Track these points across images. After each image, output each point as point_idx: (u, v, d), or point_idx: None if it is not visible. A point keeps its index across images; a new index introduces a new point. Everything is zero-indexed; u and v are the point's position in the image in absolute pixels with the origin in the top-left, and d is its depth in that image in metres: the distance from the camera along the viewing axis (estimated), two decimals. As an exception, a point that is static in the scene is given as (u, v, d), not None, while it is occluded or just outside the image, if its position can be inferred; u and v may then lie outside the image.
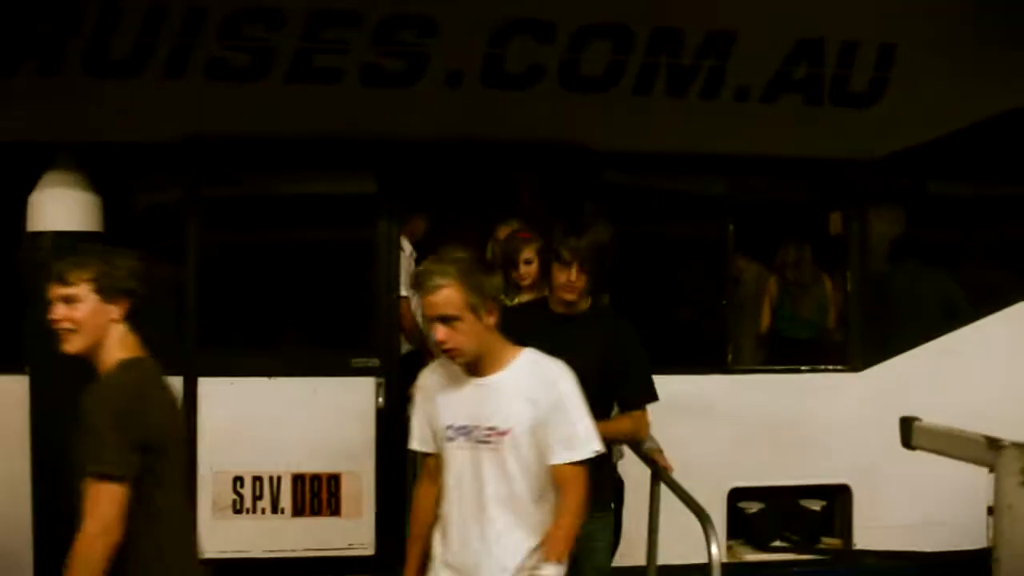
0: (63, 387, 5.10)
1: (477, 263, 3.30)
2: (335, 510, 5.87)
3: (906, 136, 6.36)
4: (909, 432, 2.73)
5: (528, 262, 5.12)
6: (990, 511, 3.34)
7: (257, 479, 5.81)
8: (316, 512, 5.84)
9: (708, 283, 6.49)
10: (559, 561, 3.22)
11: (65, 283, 3.12)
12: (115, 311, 3.12)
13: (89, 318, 3.08)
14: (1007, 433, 3.25)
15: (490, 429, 3.24)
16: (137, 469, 2.94)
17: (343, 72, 5.63)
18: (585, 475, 3.28)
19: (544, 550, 3.23)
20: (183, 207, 5.84)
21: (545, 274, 4.48)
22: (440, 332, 3.18)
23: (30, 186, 5.45)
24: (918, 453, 5.31)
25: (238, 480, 5.82)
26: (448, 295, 3.16)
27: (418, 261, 6.41)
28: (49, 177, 5.45)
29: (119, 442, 2.91)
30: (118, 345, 3.12)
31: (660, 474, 4.66)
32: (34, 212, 5.43)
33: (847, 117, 6.21)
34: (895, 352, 6.45)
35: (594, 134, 6.05)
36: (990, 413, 4.76)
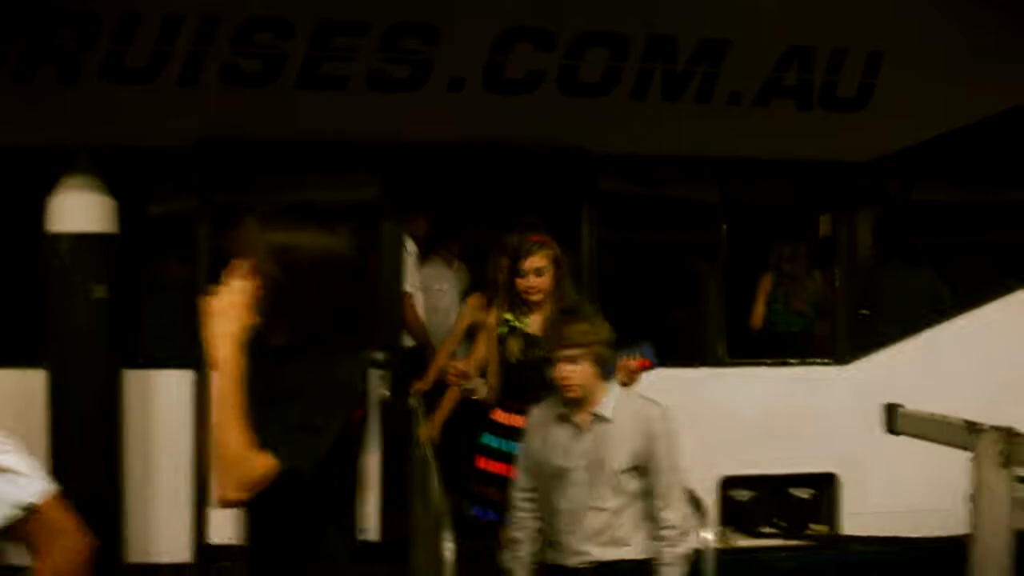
0: (79, 382, 5.42)
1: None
2: (342, 499, 5.88)
3: (893, 140, 6.42)
4: (893, 418, 2.80)
5: (539, 272, 4.50)
6: (971, 499, 3.40)
7: (266, 467, 5.82)
8: (323, 501, 5.86)
9: (703, 280, 6.53)
10: None
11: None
12: None
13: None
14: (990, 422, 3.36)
15: None
16: None
17: (350, 78, 5.67)
18: None
19: None
20: (196, 208, 5.88)
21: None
22: None
23: (49, 189, 5.49)
24: (902, 443, 5.45)
25: None
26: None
27: (421, 258, 6.54)
28: (67, 181, 5.49)
29: None
30: None
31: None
32: (53, 214, 5.48)
33: (836, 121, 6.26)
34: (880, 346, 6.52)
35: (592, 138, 6.10)
36: (972, 404, 4.79)
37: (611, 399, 3.76)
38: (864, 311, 6.61)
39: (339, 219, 5.77)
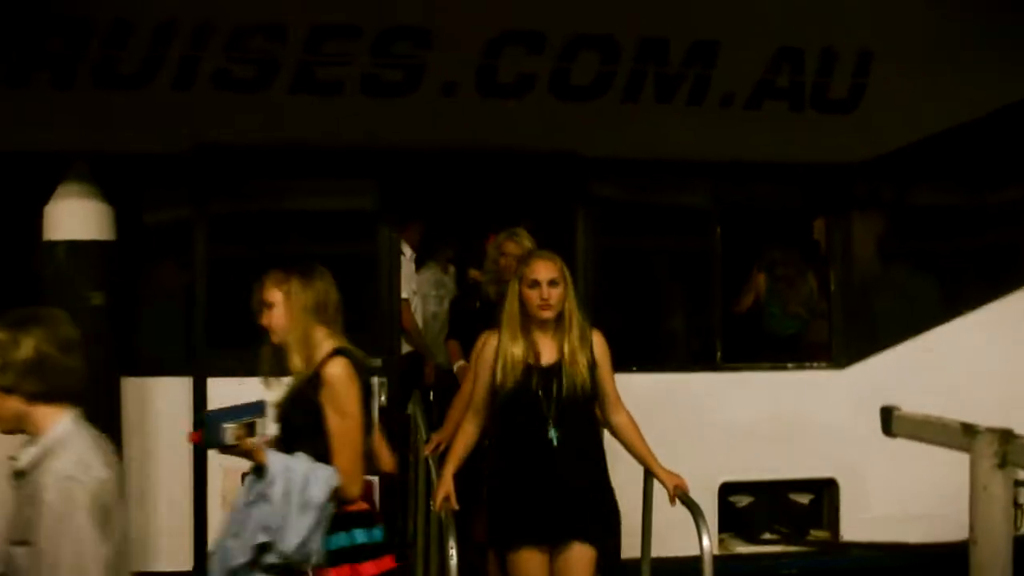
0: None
1: None
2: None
3: (886, 141, 6.33)
4: (889, 420, 2.66)
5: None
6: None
7: (265, 475, 5.72)
8: (322, 508, 5.75)
9: (697, 284, 6.43)
10: None
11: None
12: None
13: None
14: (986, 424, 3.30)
15: None
16: None
17: (343, 83, 5.61)
18: None
19: None
20: (191, 214, 5.82)
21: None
22: None
23: (44, 196, 5.44)
24: (902, 448, 5.30)
25: (247, 476, 5.69)
26: None
27: (417, 263, 6.44)
28: (63, 188, 5.43)
29: None
30: None
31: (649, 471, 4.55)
32: (49, 222, 5.42)
33: (828, 123, 6.18)
34: (878, 349, 6.41)
35: (584, 141, 6.03)
36: (971, 406, 4.65)
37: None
38: (860, 317, 6.50)
39: (335, 225, 5.93)
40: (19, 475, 2.54)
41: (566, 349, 3.95)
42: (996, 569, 1.77)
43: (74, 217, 5.38)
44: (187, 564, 5.73)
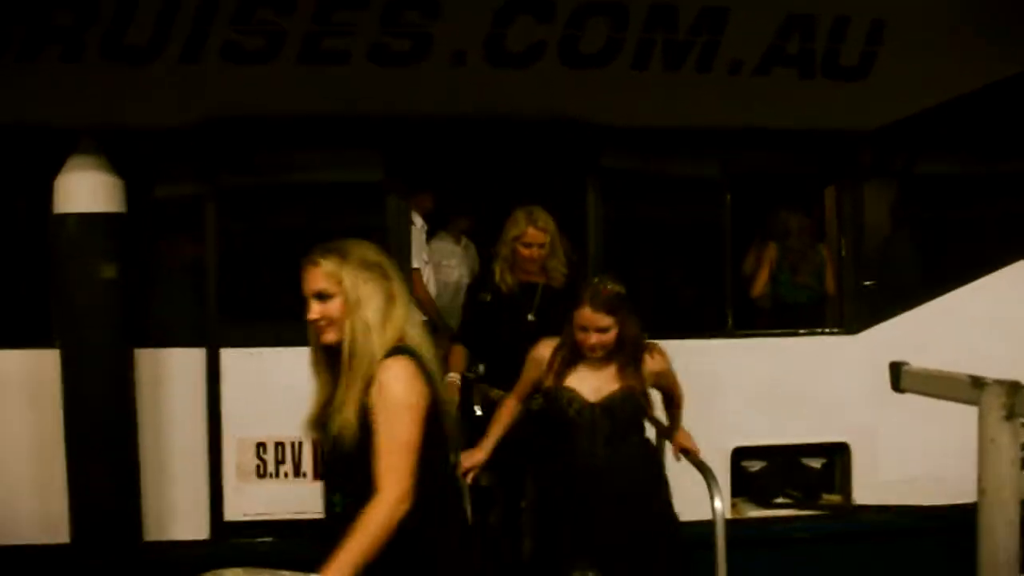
0: (91, 361, 5.40)
1: None
2: (353, 476, 5.83)
3: (897, 108, 6.28)
4: (898, 376, 2.68)
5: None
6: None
7: (279, 445, 5.81)
8: (330, 477, 5.82)
9: (708, 252, 6.43)
10: None
11: None
12: None
13: None
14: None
15: None
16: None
17: (351, 53, 5.57)
18: None
19: None
20: (202, 185, 5.81)
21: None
22: None
23: (54, 169, 5.44)
24: (914, 411, 5.32)
25: (261, 446, 5.82)
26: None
27: (429, 233, 6.41)
28: (73, 161, 5.42)
29: None
30: None
31: (665, 433, 4.69)
32: (59, 195, 5.42)
33: (839, 90, 6.12)
34: (890, 315, 6.40)
35: (593, 109, 5.99)
36: (982, 370, 4.65)
37: None
38: (869, 282, 6.50)
39: (344, 196, 5.90)
40: None
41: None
42: (1004, 519, 1.80)
43: (84, 189, 5.37)
44: (203, 533, 5.79)
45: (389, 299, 3.00)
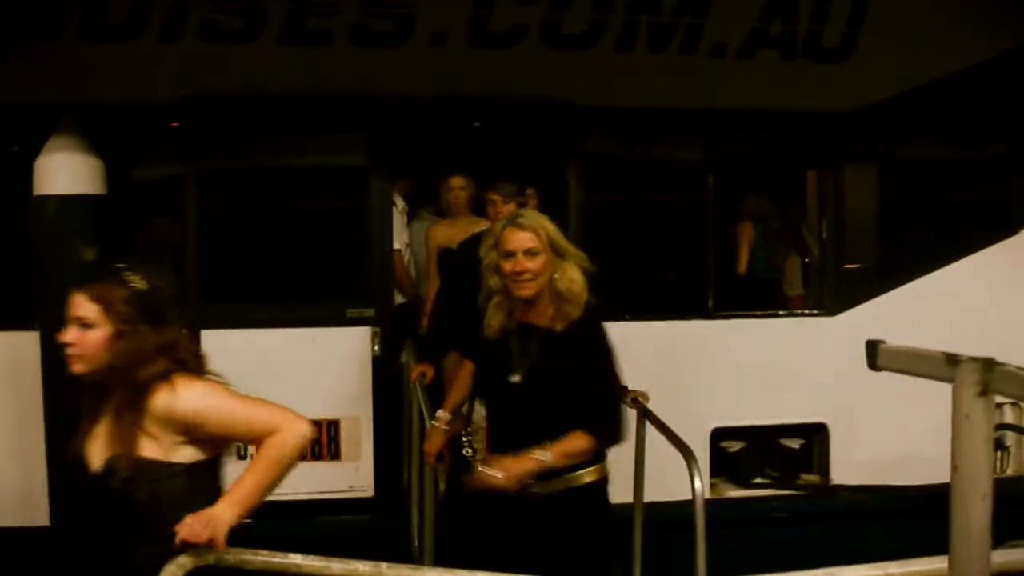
0: None
1: None
2: (335, 454, 5.89)
3: (879, 89, 6.32)
4: (875, 354, 2.69)
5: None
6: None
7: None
8: (317, 456, 5.83)
9: (689, 234, 6.46)
10: None
11: None
12: None
13: None
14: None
15: None
16: None
17: (333, 33, 5.57)
18: None
19: None
20: (182, 166, 5.79)
21: None
22: None
23: (34, 150, 5.41)
24: (891, 394, 5.35)
25: None
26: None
27: (410, 215, 6.45)
28: (53, 142, 5.39)
29: None
30: None
31: (646, 412, 4.63)
32: (39, 176, 5.39)
33: (821, 72, 6.18)
34: (868, 298, 6.46)
35: (577, 91, 6.01)
36: (960, 350, 4.73)
37: None
38: (850, 265, 6.55)
39: (325, 177, 5.89)
40: None
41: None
42: (977, 495, 1.85)
43: (64, 171, 5.34)
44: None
45: None
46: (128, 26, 5.33)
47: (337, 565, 2.71)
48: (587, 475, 3.53)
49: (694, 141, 6.35)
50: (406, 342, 5.81)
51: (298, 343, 5.82)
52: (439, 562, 4.18)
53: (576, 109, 6.08)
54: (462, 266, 4.65)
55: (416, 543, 5.21)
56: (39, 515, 5.42)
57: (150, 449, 2.72)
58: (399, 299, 6.25)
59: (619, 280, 6.02)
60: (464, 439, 4.15)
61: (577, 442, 3.42)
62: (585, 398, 3.46)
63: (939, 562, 2.37)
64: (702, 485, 4.03)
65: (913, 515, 5.67)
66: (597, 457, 3.56)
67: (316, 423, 5.54)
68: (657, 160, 6.42)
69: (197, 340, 5.39)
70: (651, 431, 4.54)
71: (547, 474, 3.41)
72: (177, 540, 2.56)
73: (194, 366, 2.85)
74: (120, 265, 2.87)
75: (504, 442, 3.52)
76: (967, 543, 1.91)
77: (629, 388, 4.22)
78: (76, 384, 5.17)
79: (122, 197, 5.61)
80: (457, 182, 6.04)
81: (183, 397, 2.72)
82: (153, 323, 2.78)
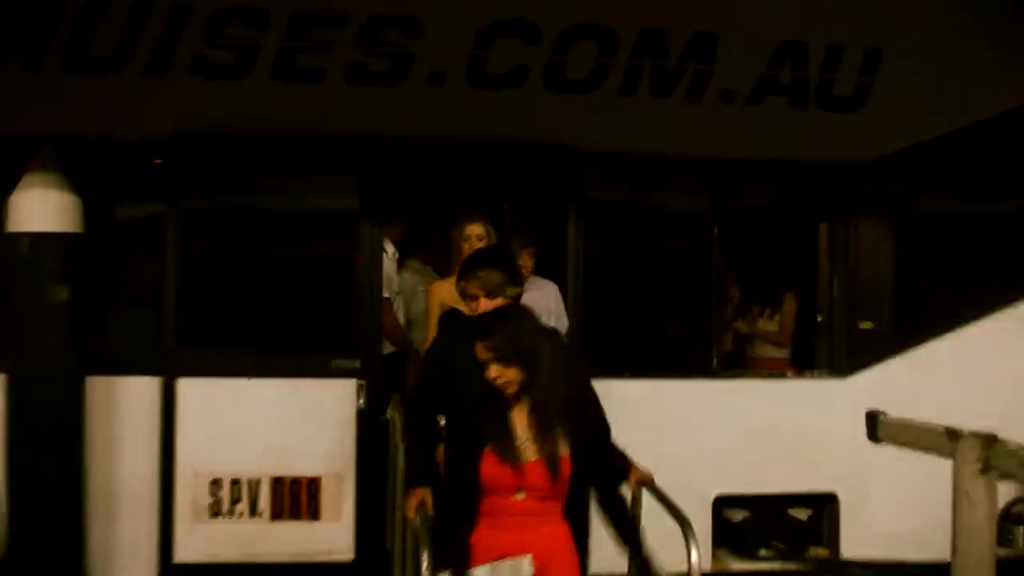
0: (40, 387, 5.50)
1: None
2: (314, 514, 5.92)
3: (893, 140, 6.45)
4: (875, 425, 2.80)
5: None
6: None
7: (235, 482, 5.86)
8: (295, 516, 5.89)
9: (693, 287, 6.53)
10: None
11: None
12: None
13: None
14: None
15: None
16: None
17: (327, 71, 5.71)
18: None
19: None
20: (164, 205, 5.90)
21: None
22: None
23: (10, 183, 5.51)
24: (905, 462, 5.20)
25: (216, 482, 5.86)
26: None
27: (400, 262, 6.58)
28: (29, 178, 5.50)
29: None
30: None
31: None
32: (14, 213, 5.50)
33: (833, 120, 6.30)
34: (881, 358, 6.53)
35: (579, 135, 6.15)
36: (976, 418, 4.64)
37: None
38: (866, 324, 6.61)
39: (314, 221, 6.03)
40: None
41: None
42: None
43: (40, 208, 5.44)
44: (150, 573, 5.84)
45: None
46: (114, 58, 5.47)
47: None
48: None
49: (700, 190, 6.44)
50: (393, 397, 5.77)
51: (279, 394, 5.90)
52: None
53: (577, 154, 6.19)
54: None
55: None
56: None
57: None
58: (388, 349, 6.30)
59: (619, 335, 6.29)
60: None
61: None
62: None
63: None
64: (699, 557, 4.01)
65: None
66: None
67: (295, 480, 5.86)
68: (661, 209, 6.50)
69: (172, 388, 5.77)
70: (647, 496, 4.43)
71: None
72: None
73: None
74: None
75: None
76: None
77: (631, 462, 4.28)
78: (42, 430, 5.33)
79: (99, 235, 5.70)
80: (475, 230, 5.27)
81: None
82: None
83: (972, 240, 6.78)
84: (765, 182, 6.64)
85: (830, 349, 6.70)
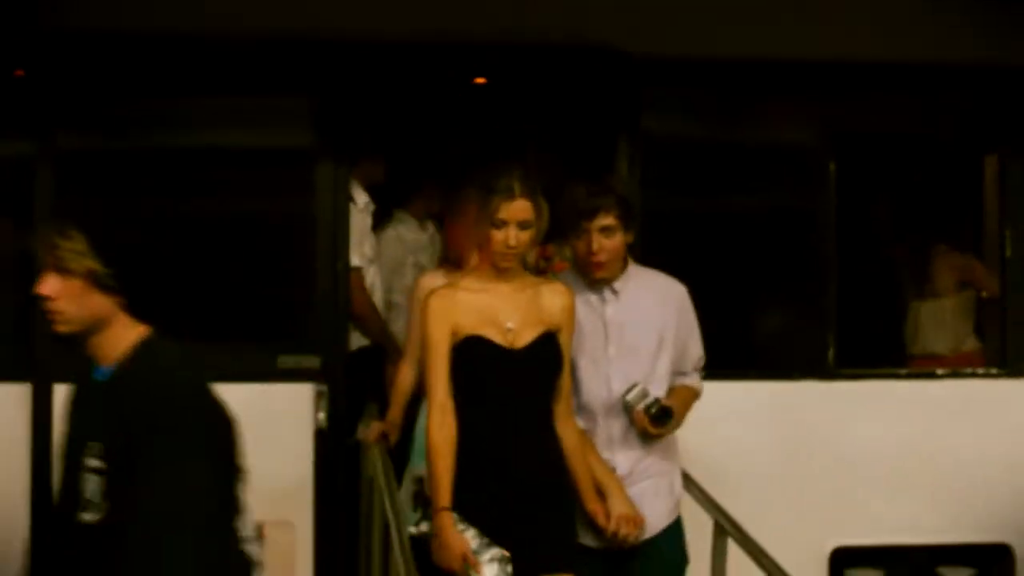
0: None
1: None
2: (255, 571, 5.37)
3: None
4: None
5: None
6: None
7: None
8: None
9: (799, 252, 5.98)
10: None
11: None
12: None
13: None
14: None
15: None
16: None
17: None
18: None
19: None
20: (30, 145, 5.37)
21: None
22: None
23: None
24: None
25: None
26: None
27: (377, 214, 6.09)
28: None
29: None
30: None
31: (726, 527, 4.41)
32: None
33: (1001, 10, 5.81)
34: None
35: (629, 35, 5.65)
36: None
37: None
38: None
39: (252, 156, 5.42)
40: None
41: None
42: None
43: None
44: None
45: None
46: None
47: None
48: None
49: (805, 110, 5.94)
50: (366, 409, 5.24)
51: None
52: None
53: (632, 62, 5.67)
54: None
55: None
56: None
57: None
58: (358, 341, 5.71)
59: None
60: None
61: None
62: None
63: None
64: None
65: None
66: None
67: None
68: (750, 138, 5.95)
69: (49, 394, 5.42)
70: (734, 548, 4.23)
71: None
72: None
73: None
74: None
75: None
76: None
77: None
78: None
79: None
80: (519, 211, 3.78)
81: None
82: None
83: None
84: (903, 98, 5.96)
85: (1002, 337, 6.14)
